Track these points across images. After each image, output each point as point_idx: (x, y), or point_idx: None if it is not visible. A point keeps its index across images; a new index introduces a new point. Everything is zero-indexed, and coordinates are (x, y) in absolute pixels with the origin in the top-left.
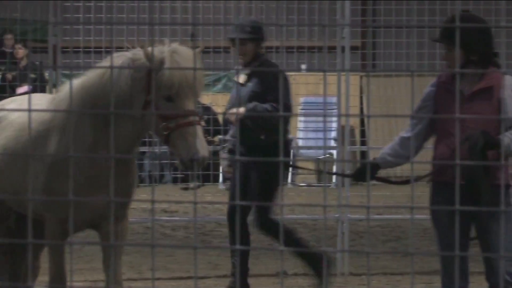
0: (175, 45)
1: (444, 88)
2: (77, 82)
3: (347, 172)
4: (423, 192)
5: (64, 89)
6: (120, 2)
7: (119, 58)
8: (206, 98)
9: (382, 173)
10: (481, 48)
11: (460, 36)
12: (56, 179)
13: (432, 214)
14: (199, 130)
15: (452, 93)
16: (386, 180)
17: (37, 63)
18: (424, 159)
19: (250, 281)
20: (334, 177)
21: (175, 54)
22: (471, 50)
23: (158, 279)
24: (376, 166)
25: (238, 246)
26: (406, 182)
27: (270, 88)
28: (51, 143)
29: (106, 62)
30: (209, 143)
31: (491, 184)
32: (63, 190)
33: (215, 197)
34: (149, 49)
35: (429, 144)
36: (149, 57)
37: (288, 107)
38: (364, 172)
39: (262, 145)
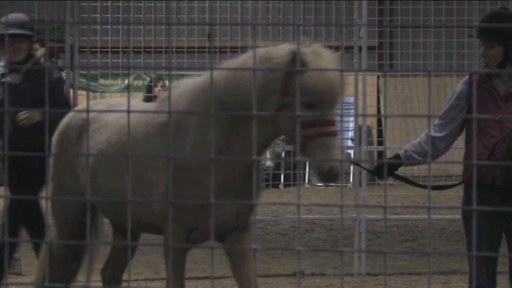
0: (317, 47)
1: (479, 87)
2: (194, 81)
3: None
4: (440, 192)
5: (179, 88)
6: (138, 2)
7: (251, 56)
8: None
9: (399, 172)
10: None
11: (502, 33)
12: (183, 186)
13: (464, 216)
14: (338, 141)
15: (487, 92)
16: (409, 181)
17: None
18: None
19: (267, 280)
20: (351, 177)
21: (319, 57)
22: (511, 48)
23: None
24: (397, 164)
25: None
26: (439, 187)
27: (55, 91)
28: (175, 147)
29: (237, 60)
30: None
31: None
32: (190, 198)
33: None
34: (294, 48)
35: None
36: (295, 57)
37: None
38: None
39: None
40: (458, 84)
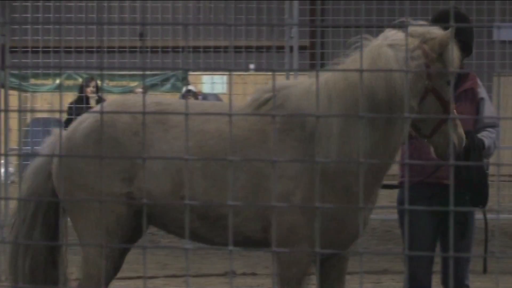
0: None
1: None
2: (326, 78)
3: None
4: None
5: (294, 88)
6: (68, 1)
7: (390, 44)
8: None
9: None
10: (472, 47)
11: (462, 31)
12: (334, 194)
13: (401, 214)
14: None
15: None
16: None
17: None
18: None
19: (199, 280)
20: None
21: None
22: (468, 49)
23: None
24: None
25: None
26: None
27: None
28: (317, 154)
29: (366, 48)
30: None
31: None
32: (329, 203)
33: None
34: (440, 32)
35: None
36: (446, 41)
37: None
38: None
39: None
40: None
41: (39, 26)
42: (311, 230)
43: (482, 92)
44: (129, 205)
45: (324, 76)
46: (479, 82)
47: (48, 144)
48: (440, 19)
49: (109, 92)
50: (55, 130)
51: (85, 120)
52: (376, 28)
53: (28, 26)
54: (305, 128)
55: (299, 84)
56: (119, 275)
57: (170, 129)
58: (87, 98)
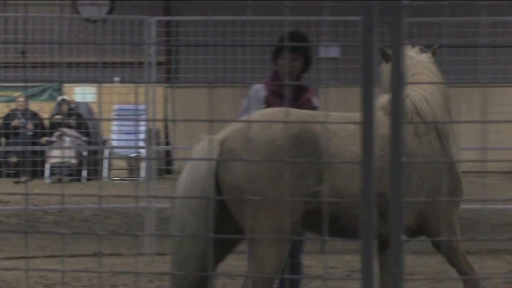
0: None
1: (276, 94)
2: None
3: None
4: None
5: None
6: None
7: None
8: (34, 106)
9: None
10: (311, 63)
11: (303, 49)
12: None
13: None
14: None
15: (281, 97)
16: None
17: None
18: None
19: (71, 260)
20: (143, 172)
21: None
22: (309, 62)
23: None
24: None
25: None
26: None
27: None
28: None
29: None
30: (36, 144)
31: None
32: None
33: (42, 189)
34: None
35: None
36: None
37: None
38: None
39: None
40: (259, 90)
41: None
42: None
43: (316, 101)
44: (307, 205)
45: (419, 87)
46: (316, 93)
47: (202, 149)
48: (290, 38)
49: None
50: (207, 136)
51: (271, 126)
52: (224, 47)
53: None
54: (438, 131)
55: (412, 92)
56: (3, 255)
57: (352, 136)
58: None
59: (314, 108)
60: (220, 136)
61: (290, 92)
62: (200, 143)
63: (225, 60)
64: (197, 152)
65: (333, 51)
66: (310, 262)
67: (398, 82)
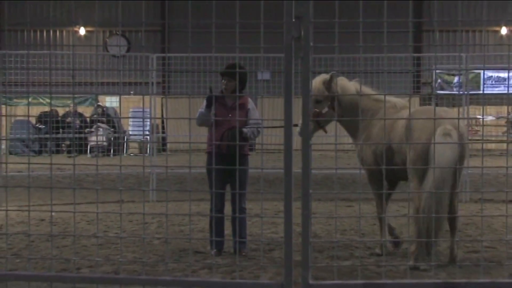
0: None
1: (220, 102)
2: None
3: None
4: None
5: None
6: None
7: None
8: (80, 109)
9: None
10: (245, 82)
11: (236, 74)
12: None
13: (208, 172)
14: None
15: (223, 105)
16: None
17: None
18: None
19: (103, 205)
20: (149, 150)
21: None
22: (242, 82)
23: None
24: None
25: None
26: None
27: None
28: None
29: None
30: (81, 132)
31: (241, 154)
32: None
33: (85, 161)
34: None
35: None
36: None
37: None
38: None
39: None
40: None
41: None
42: None
43: (250, 104)
44: None
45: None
46: (249, 100)
47: (449, 132)
48: (228, 68)
49: None
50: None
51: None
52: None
53: None
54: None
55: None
56: (60, 202)
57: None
58: None
59: (247, 110)
60: (449, 126)
61: (229, 99)
62: (439, 129)
63: (199, 81)
64: (443, 136)
65: (266, 75)
66: (251, 206)
67: (305, 94)
